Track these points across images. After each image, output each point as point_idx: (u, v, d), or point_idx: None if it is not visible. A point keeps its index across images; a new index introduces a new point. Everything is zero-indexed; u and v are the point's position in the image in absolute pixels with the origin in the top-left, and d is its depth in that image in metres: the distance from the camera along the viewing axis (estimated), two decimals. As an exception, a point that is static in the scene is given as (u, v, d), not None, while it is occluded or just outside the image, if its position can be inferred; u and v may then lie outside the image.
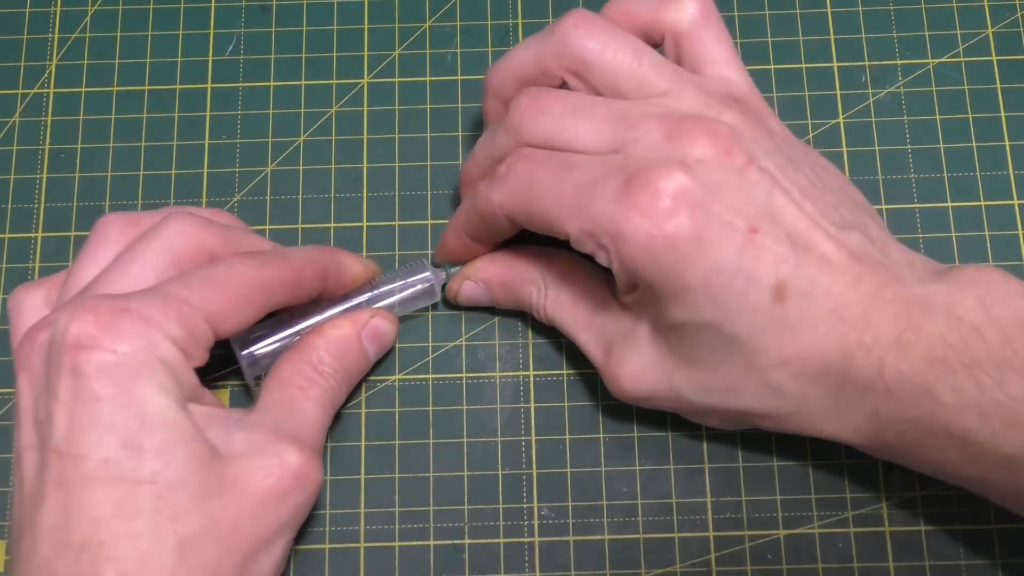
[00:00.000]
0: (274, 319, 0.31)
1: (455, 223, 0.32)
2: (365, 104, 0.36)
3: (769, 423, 0.29)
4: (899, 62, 0.36)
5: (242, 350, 0.30)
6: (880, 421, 0.27)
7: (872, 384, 0.26)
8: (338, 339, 0.30)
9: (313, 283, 0.30)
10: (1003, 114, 0.35)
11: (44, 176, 0.35)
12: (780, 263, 0.26)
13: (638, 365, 0.29)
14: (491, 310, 0.34)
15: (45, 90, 0.36)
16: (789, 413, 0.28)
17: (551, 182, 0.28)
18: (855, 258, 0.27)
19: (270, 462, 0.27)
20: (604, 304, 0.30)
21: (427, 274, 0.32)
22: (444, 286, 0.33)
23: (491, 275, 0.32)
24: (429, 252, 0.34)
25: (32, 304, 0.29)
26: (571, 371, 0.33)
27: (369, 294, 0.32)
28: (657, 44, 0.30)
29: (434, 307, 0.34)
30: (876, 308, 0.26)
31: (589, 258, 0.28)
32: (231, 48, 0.37)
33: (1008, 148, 0.35)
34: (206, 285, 0.27)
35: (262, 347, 0.31)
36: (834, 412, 0.27)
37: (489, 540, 0.32)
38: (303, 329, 0.31)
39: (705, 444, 0.32)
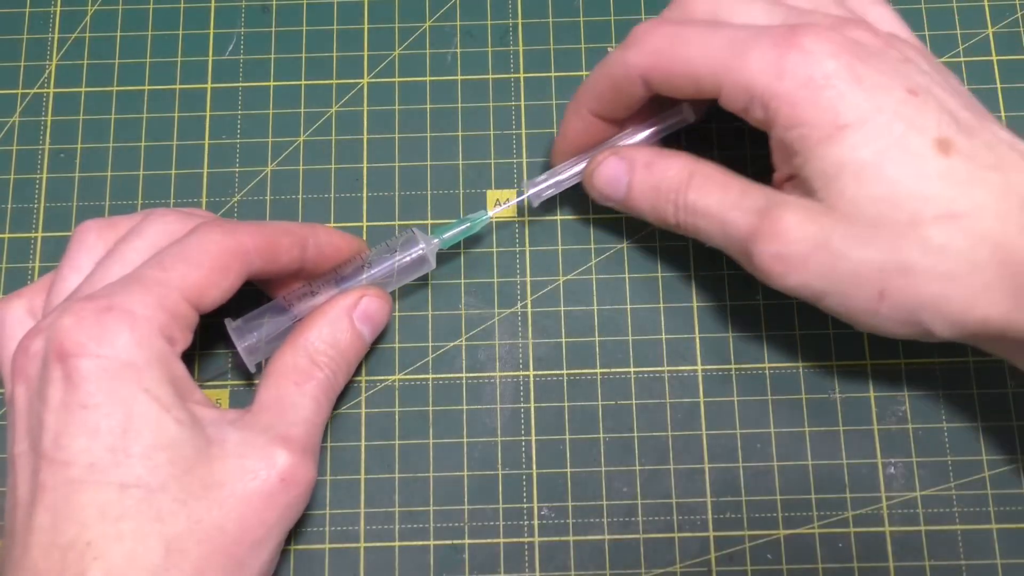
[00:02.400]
0: (270, 304, 0.31)
1: (577, 99, 0.32)
2: (365, 104, 0.36)
3: (937, 288, 0.26)
4: (899, 62, 0.36)
5: (240, 338, 0.30)
6: None
7: None
8: (331, 325, 0.30)
9: (291, 251, 0.30)
10: (1003, 114, 0.35)
11: (44, 176, 0.35)
12: (941, 123, 0.26)
13: (792, 219, 0.27)
14: (490, 311, 0.34)
15: (45, 90, 0.36)
16: (957, 276, 0.26)
17: (699, 38, 0.28)
18: None
19: (257, 464, 0.27)
20: (755, 188, 0.29)
21: (420, 244, 0.32)
22: (437, 254, 0.33)
23: (637, 155, 0.31)
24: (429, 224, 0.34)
25: (14, 316, 0.29)
26: (571, 371, 0.33)
27: (364, 273, 0.32)
28: None
29: (427, 278, 0.34)
30: None
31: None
32: (231, 48, 0.37)
33: (1008, 148, 0.35)
34: (181, 261, 0.27)
35: (259, 334, 0.31)
36: (1008, 286, 0.25)
37: (489, 540, 0.32)
38: (299, 313, 0.31)
39: (705, 444, 0.32)
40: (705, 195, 0.30)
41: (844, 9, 0.30)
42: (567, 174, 0.33)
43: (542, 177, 0.33)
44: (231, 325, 0.31)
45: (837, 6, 0.30)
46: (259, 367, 0.32)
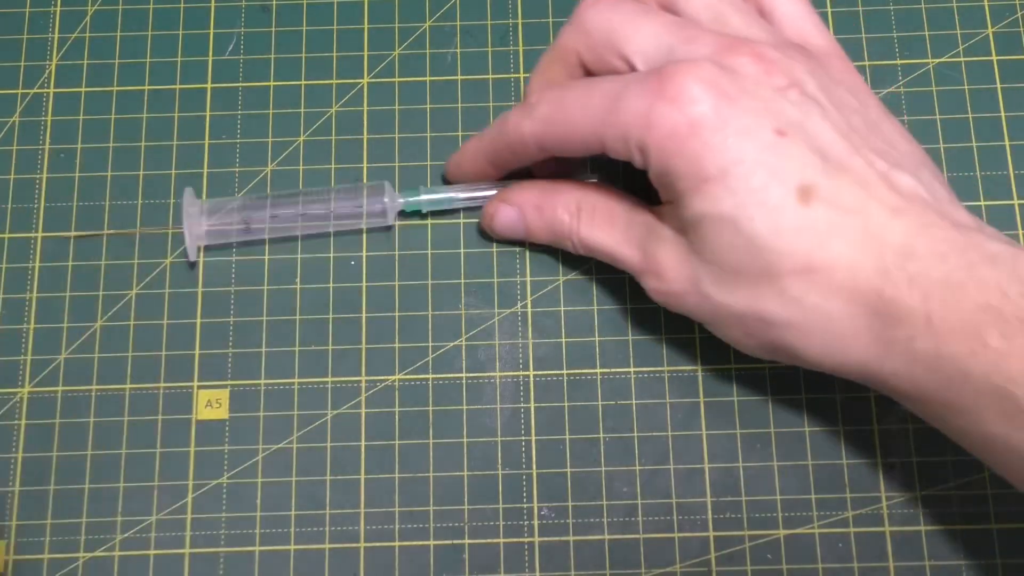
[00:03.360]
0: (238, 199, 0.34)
1: (477, 147, 0.33)
2: (365, 104, 0.36)
3: (794, 337, 0.27)
4: (899, 62, 0.36)
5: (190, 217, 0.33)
6: (913, 352, 0.25)
7: (911, 313, 0.25)
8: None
9: None
10: (1003, 114, 0.35)
11: (44, 176, 0.35)
12: (806, 166, 0.26)
13: (668, 260, 0.29)
14: (490, 311, 0.34)
15: (45, 90, 0.36)
16: (813, 328, 0.26)
17: (580, 99, 0.29)
18: (898, 192, 0.26)
19: None
20: (639, 217, 0.30)
21: (384, 198, 0.33)
22: (400, 213, 0.34)
23: (525, 198, 0.33)
24: (428, 252, 0.34)
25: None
26: (571, 371, 0.33)
27: (327, 204, 0.33)
28: None
29: (426, 278, 0.34)
30: (922, 241, 0.25)
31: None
32: (231, 48, 0.37)
33: (1008, 148, 0.35)
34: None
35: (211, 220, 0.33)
36: (864, 335, 0.26)
37: (489, 540, 0.32)
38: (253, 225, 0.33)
39: (705, 444, 0.32)
40: (595, 230, 0.31)
41: (746, 14, 0.30)
42: (464, 195, 0.34)
43: (442, 189, 0.34)
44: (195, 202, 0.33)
45: (737, 12, 0.30)
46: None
